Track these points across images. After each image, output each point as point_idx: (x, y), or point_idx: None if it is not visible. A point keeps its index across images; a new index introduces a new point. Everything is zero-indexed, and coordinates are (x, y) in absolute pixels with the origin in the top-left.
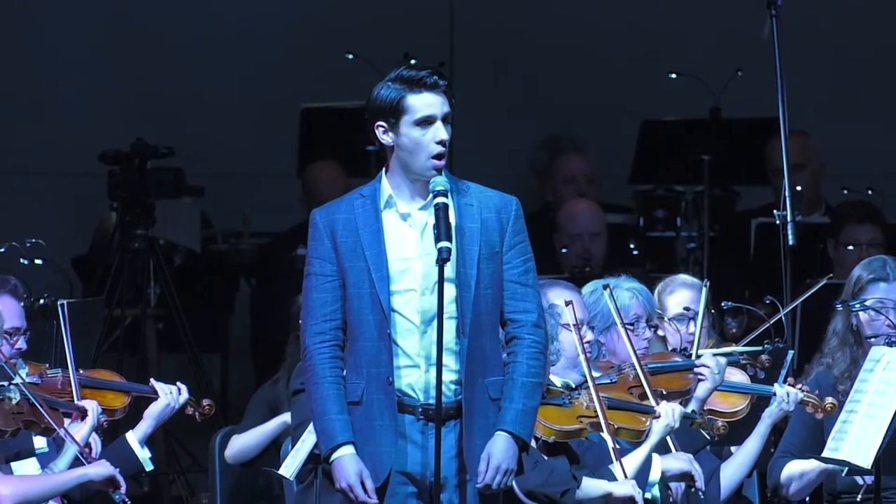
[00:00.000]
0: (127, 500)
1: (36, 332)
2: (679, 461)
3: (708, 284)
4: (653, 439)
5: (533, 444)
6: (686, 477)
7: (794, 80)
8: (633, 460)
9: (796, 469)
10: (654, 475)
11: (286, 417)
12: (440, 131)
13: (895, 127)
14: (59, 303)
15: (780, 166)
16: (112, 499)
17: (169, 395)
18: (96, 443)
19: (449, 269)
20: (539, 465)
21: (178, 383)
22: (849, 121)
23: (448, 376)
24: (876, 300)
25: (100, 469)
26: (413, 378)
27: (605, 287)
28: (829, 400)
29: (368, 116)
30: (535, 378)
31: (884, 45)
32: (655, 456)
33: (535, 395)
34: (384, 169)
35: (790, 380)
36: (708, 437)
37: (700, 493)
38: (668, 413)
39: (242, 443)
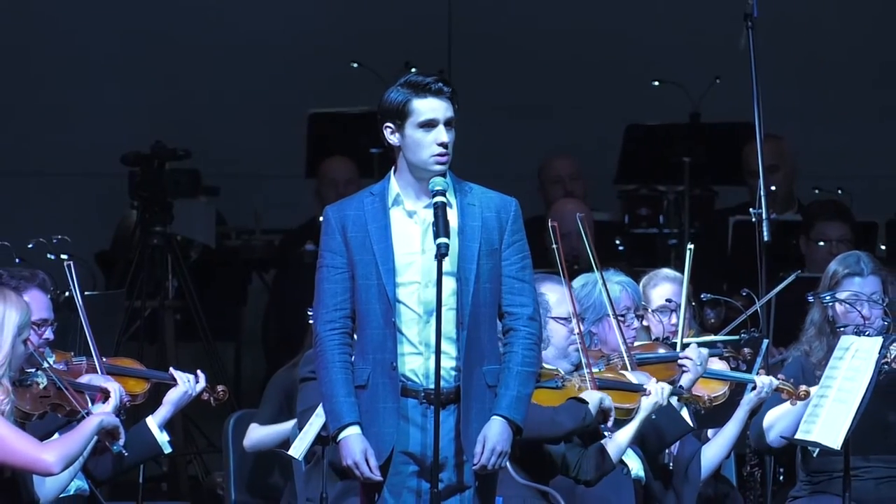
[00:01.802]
0: (125, 451)
1: (62, 322)
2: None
3: (692, 248)
4: (641, 415)
5: None
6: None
7: (768, 86)
8: (622, 436)
9: (779, 411)
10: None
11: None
12: (441, 134)
13: (864, 130)
14: (66, 263)
15: (756, 168)
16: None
17: (187, 383)
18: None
19: (451, 265)
20: (557, 409)
21: (199, 371)
22: (820, 125)
23: (448, 363)
24: (850, 294)
25: (110, 418)
26: (416, 364)
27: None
28: (803, 388)
29: (378, 118)
30: (529, 367)
31: (852, 54)
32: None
33: (529, 383)
34: (393, 169)
35: (762, 370)
36: (691, 424)
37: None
38: (657, 391)
39: (259, 437)
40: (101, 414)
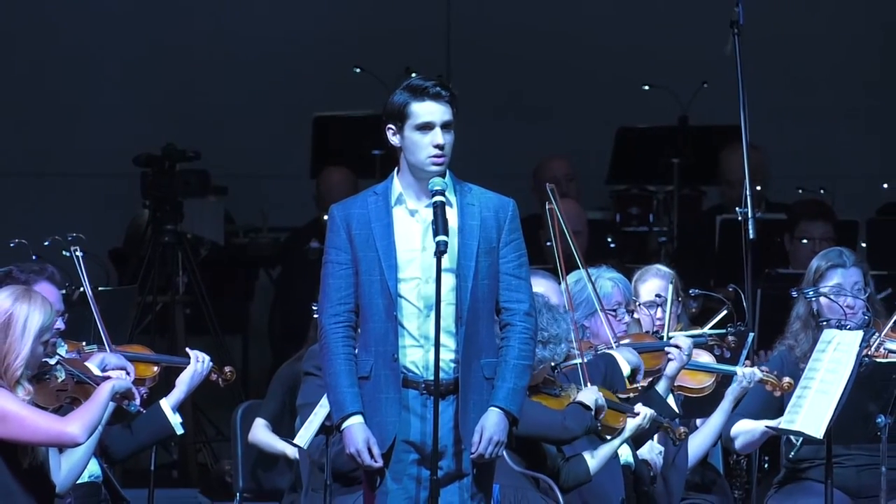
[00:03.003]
0: (142, 409)
1: (76, 317)
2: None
3: (674, 277)
4: (624, 435)
5: None
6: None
7: (753, 90)
8: (602, 452)
9: (745, 426)
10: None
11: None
12: (437, 136)
13: (846, 133)
14: (75, 254)
15: (729, 176)
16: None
17: (198, 363)
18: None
19: (451, 262)
20: (566, 415)
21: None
22: (804, 127)
23: (448, 356)
24: (832, 287)
25: (121, 382)
26: (416, 356)
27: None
28: (787, 379)
29: (382, 120)
30: (525, 361)
31: (835, 60)
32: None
33: (525, 376)
34: (396, 169)
35: (747, 362)
36: (676, 410)
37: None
38: (643, 414)
39: (260, 439)
40: (113, 379)
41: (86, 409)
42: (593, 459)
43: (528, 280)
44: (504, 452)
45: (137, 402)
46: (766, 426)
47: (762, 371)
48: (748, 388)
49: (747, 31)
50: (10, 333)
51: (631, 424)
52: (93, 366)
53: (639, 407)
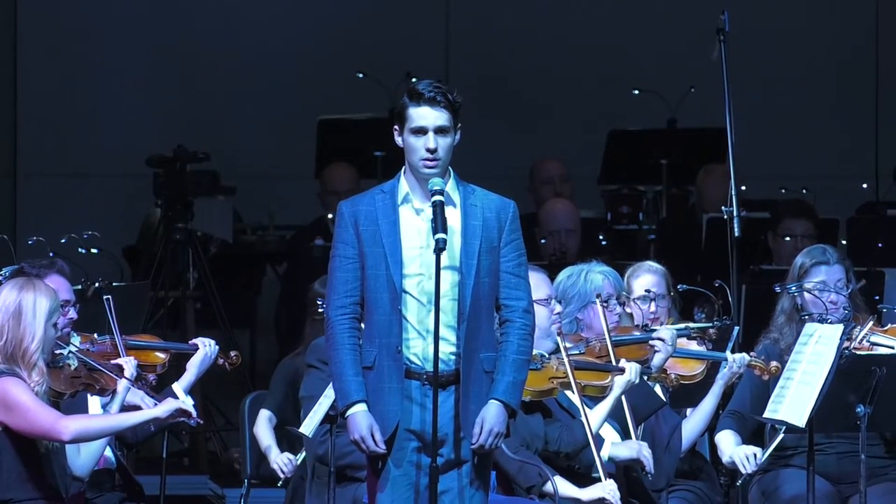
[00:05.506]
0: (200, 421)
1: (92, 311)
2: (629, 449)
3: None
4: (615, 392)
5: None
6: (635, 464)
7: (738, 92)
8: (598, 413)
9: (723, 443)
10: (603, 455)
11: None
12: (430, 140)
13: (827, 135)
14: (105, 297)
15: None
16: (185, 430)
17: (205, 347)
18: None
19: (454, 259)
20: (518, 454)
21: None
22: (787, 129)
23: (449, 349)
24: (816, 283)
25: (166, 407)
26: (419, 349)
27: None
28: (774, 363)
29: (393, 121)
30: (523, 356)
31: (816, 68)
32: (607, 441)
33: (523, 370)
34: (403, 169)
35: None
36: (663, 399)
37: (649, 476)
38: (630, 369)
39: (259, 435)
40: (160, 407)
41: (94, 419)
42: (590, 421)
43: (526, 279)
44: (502, 443)
45: (195, 414)
46: (727, 459)
47: (751, 356)
48: (738, 372)
49: (731, 32)
50: (23, 319)
51: (620, 381)
52: (123, 361)
53: (624, 363)
